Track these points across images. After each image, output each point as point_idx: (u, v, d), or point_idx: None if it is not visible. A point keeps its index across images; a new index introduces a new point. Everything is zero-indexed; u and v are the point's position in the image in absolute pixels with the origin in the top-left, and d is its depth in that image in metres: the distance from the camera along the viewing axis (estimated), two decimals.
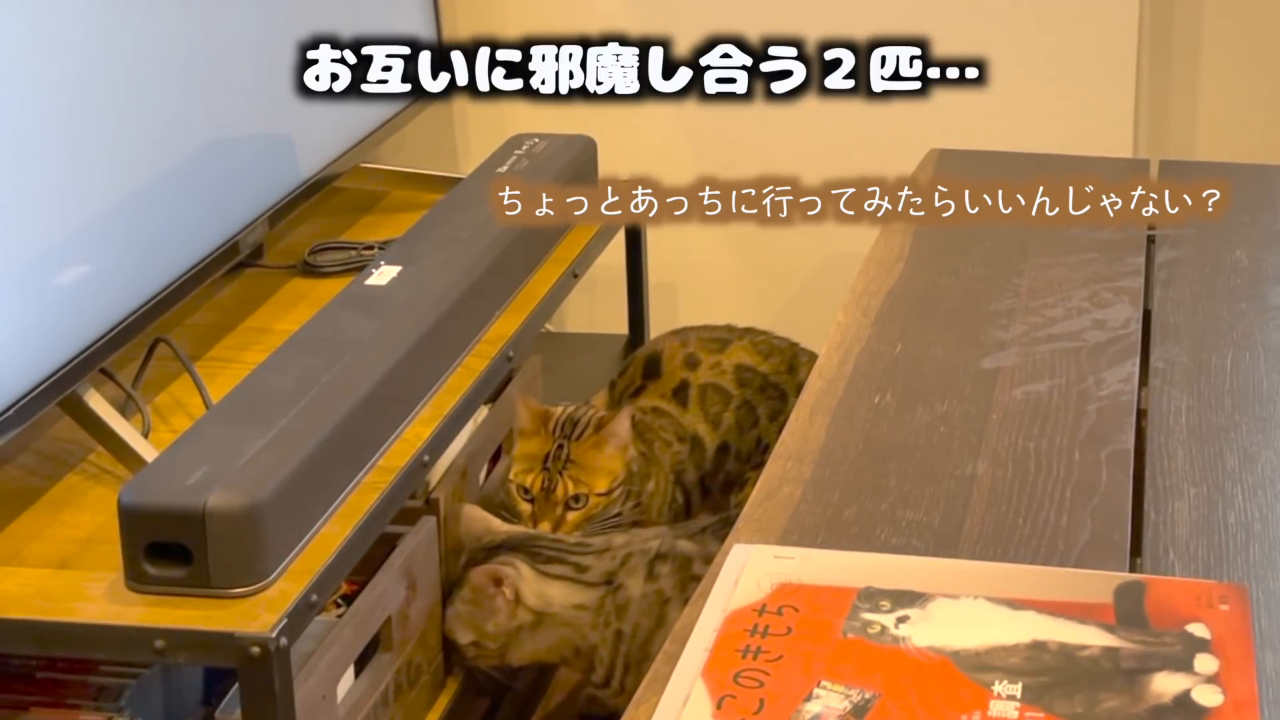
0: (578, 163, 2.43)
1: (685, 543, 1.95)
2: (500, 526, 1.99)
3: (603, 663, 1.93)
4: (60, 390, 1.71)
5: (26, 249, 1.69)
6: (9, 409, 1.63)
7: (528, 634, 1.93)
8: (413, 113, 2.50)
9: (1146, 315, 1.85)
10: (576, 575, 1.93)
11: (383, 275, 2.02)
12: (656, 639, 1.89)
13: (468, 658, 1.95)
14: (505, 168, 2.37)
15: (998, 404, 1.64)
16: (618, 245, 2.53)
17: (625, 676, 1.92)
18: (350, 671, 1.74)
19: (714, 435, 2.28)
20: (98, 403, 1.77)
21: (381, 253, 2.15)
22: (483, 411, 2.09)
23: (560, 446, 2.09)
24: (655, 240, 2.61)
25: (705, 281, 2.85)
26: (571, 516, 2.08)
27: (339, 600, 1.90)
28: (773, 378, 2.31)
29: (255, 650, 1.49)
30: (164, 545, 1.54)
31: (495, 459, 2.19)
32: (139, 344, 1.90)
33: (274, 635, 1.49)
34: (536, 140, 2.46)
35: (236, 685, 1.57)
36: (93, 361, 1.76)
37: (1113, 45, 2.62)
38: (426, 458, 1.82)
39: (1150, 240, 2.06)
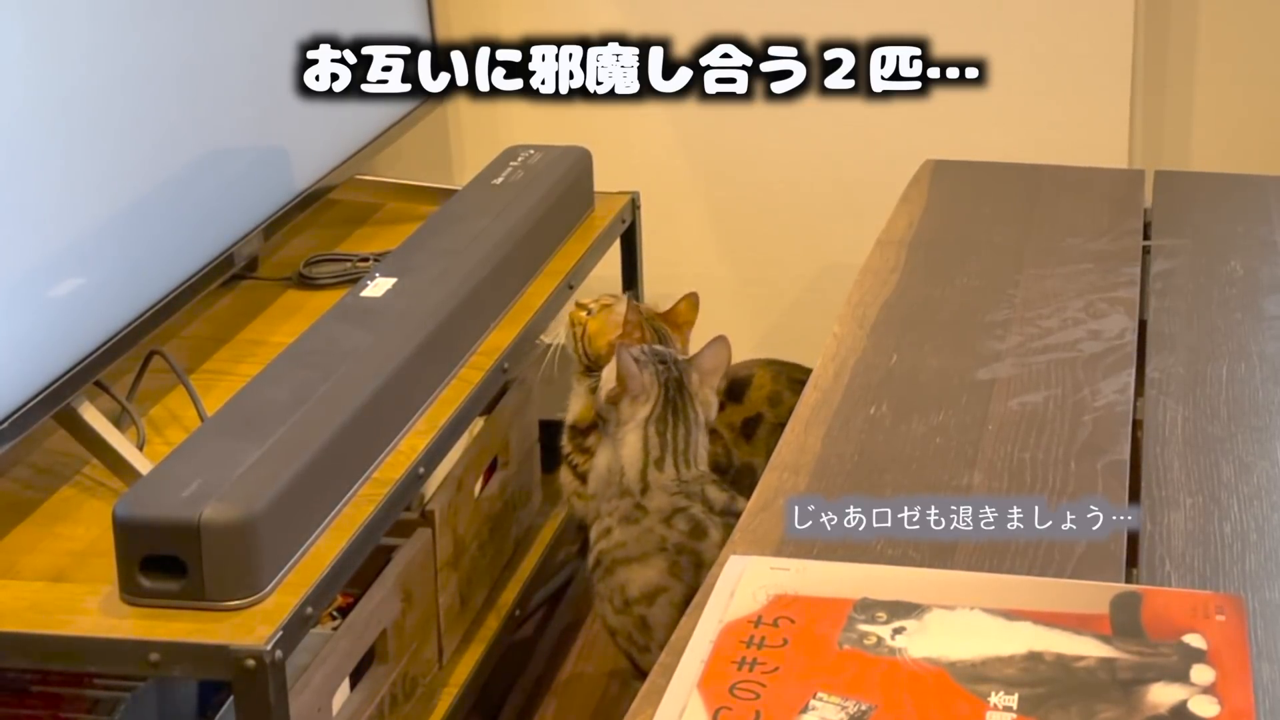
0: (573, 174, 2.43)
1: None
2: (710, 399, 1.96)
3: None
4: (55, 403, 1.71)
5: (21, 261, 1.69)
6: (4, 422, 1.63)
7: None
8: (409, 123, 2.50)
9: (1142, 326, 1.85)
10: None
11: (378, 287, 2.02)
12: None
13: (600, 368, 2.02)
14: (500, 179, 2.36)
15: (993, 415, 1.64)
16: (613, 257, 2.53)
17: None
18: (345, 684, 1.74)
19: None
20: (92, 415, 1.77)
21: (377, 265, 2.15)
22: (478, 423, 2.09)
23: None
24: (650, 252, 2.61)
25: (701, 293, 2.83)
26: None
27: (334, 613, 1.90)
28: None
29: (250, 663, 1.49)
30: (159, 558, 1.54)
31: (491, 471, 2.18)
32: (134, 356, 1.90)
33: (269, 648, 1.49)
34: (532, 152, 2.46)
35: (231, 698, 1.57)
36: (87, 374, 1.76)
37: (1108, 56, 2.62)
38: (422, 470, 1.82)
39: (1146, 251, 2.06)
